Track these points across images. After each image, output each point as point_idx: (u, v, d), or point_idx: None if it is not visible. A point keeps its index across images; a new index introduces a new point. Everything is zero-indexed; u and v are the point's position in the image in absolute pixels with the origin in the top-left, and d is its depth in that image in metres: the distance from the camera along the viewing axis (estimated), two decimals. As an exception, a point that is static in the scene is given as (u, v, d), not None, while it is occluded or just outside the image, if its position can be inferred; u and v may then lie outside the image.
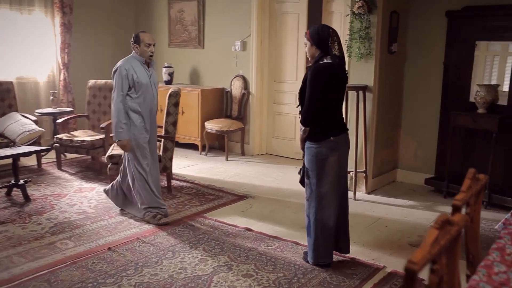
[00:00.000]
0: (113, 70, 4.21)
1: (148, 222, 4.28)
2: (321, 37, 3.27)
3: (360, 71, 5.05)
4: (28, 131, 5.71)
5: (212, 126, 6.67)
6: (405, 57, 5.51)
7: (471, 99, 5.05)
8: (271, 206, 4.81)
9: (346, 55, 5.08)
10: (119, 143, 4.17)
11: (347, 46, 5.05)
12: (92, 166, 6.11)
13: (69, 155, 6.33)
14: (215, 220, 4.37)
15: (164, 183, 5.40)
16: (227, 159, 6.64)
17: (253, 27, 6.65)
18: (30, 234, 3.99)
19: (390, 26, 5.15)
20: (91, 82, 6.30)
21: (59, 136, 5.84)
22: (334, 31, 3.29)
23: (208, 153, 6.89)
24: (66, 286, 3.17)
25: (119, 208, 4.60)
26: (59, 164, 5.94)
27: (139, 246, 3.80)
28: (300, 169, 3.57)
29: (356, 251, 3.69)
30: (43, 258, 3.56)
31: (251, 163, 6.52)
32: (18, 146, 5.16)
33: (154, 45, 4.26)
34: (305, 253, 3.63)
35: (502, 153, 4.87)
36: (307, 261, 3.51)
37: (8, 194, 4.89)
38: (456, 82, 5.17)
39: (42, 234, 3.98)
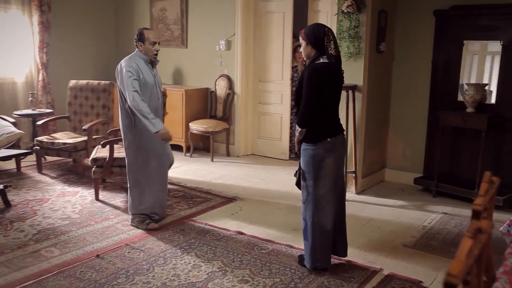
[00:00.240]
0: (117, 70, 4.01)
1: (136, 227, 4.15)
2: (317, 36, 3.19)
3: (350, 70, 4.99)
4: (6, 134, 5.50)
5: (197, 127, 6.55)
6: (393, 56, 5.48)
7: (459, 98, 5.06)
8: (261, 208, 4.73)
9: (346, 56, 5.05)
10: (159, 134, 3.89)
11: (336, 46, 4.98)
12: (74, 169, 5.92)
13: (49, 158, 6.14)
14: (205, 224, 4.26)
15: (150, 186, 5.29)
16: (212, 160, 6.53)
17: (238, 26, 6.55)
18: (13, 242, 3.82)
19: (379, 25, 5.12)
20: (72, 82, 6.11)
21: (39, 138, 5.64)
22: (330, 30, 3.22)
23: (192, 154, 6.77)
24: (54, 297, 3.03)
25: (105, 213, 4.45)
26: (39, 168, 5.74)
27: (128, 252, 3.67)
28: (296, 171, 3.49)
29: (351, 254, 3.62)
30: (28, 267, 3.40)
31: (237, 164, 6.42)
32: (-3, 150, 4.97)
33: (159, 43, 4.09)
34: (300, 256, 3.55)
35: (491, 152, 4.88)
36: (303, 265, 3.44)
37: (-13, 199, 4.70)
38: (444, 81, 5.17)
39: (25, 242, 3.82)
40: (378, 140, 5.51)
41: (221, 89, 6.83)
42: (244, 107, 6.80)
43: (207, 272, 3.38)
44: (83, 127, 5.54)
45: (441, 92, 5.19)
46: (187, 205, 4.75)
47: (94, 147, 5.60)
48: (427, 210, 4.72)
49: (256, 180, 5.71)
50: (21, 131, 5.79)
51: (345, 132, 4.80)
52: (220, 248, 3.76)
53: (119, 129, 5.61)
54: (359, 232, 4.12)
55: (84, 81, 6.07)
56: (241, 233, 4.07)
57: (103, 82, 6.01)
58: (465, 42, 5.01)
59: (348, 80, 5.05)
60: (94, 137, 5.65)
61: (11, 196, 4.80)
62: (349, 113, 4.95)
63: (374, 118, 5.29)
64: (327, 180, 3.26)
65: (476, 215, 1.78)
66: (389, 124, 5.63)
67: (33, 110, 6.27)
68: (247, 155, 6.93)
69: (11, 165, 5.79)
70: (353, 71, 4.99)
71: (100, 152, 4.94)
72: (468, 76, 5.09)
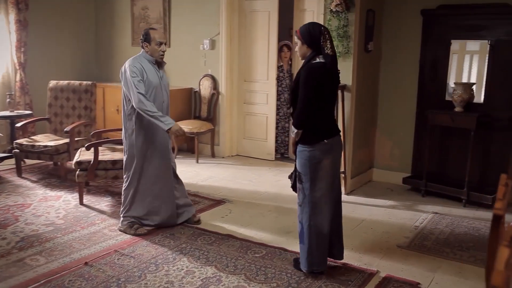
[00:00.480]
0: (121, 71, 3.89)
1: (124, 232, 4.02)
2: (313, 35, 3.13)
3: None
4: (-16, 137, 5.29)
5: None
6: (380, 55, 5.47)
7: (447, 98, 5.07)
8: (251, 211, 4.64)
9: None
10: (171, 131, 3.77)
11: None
12: (55, 172, 5.74)
13: (28, 161, 5.93)
14: (195, 228, 4.16)
15: (136, 189, 5.15)
16: (197, 162, 6.41)
17: (222, 25, 6.45)
18: (-5, 250, 3.66)
19: (367, 24, 5.09)
20: (52, 83, 5.92)
21: (19, 141, 5.44)
22: (326, 29, 3.15)
23: (177, 156, 6.64)
24: (43, 308, 2.90)
25: (90, 218, 4.31)
26: (19, 171, 5.54)
27: (118, 259, 3.54)
28: (291, 173, 3.42)
29: (346, 256, 3.56)
30: (13, 277, 3.25)
31: (223, 165, 6.33)
32: (-25, 153, 4.77)
33: (165, 44, 3.96)
34: (296, 260, 3.49)
35: (479, 151, 4.90)
36: (299, 269, 3.37)
37: (-35, 206, 4.50)
38: (432, 81, 5.17)
39: (8, 250, 3.65)
40: (366, 140, 5.49)
41: (205, 89, 6.72)
42: (229, 107, 6.71)
43: (201, 278, 3.28)
44: (65, 129, 5.37)
45: (429, 91, 5.19)
46: (175, 208, 4.64)
47: (76, 149, 5.45)
48: (417, 210, 4.71)
49: (243, 181, 5.62)
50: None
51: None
52: (212, 253, 3.67)
53: (103, 130, 5.52)
54: (352, 234, 4.07)
55: (65, 82, 5.89)
56: (232, 237, 3.98)
57: (85, 82, 5.84)
58: (452, 41, 5.01)
59: (337, 79, 5.01)
60: (76, 139, 5.48)
61: (-9, 201, 4.63)
62: (338, 113, 4.91)
63: (362, 118, 5.26)
64: (324, 182, 3.20)
65: (497, 219, 1.73)
66: (376, 123, 5.62)
67: (11, 111, 6.06)
68: (232, 156, 6.84)
69: (-12, 169, 5.59)
70: (342, 71, 4.81)
71: (84, 154, 4.79)
72: (455, 75, 5.10)
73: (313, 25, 3.19)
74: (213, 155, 6.74)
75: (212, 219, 4.40)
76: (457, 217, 4.52)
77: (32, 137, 5.64)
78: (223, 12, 6.42)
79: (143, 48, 3.92)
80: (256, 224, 4.30)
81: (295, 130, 3.19)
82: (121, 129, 5.67)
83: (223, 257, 3.59)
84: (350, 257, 3.59)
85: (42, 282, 3.18)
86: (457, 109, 4.86)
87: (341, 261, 3.50)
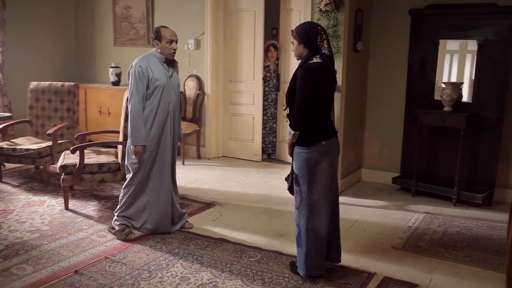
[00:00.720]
0: (129, 68, 3.82)
1: (114, 235, 3.90)
2: (309, 35, 3.07)
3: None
4: (-38, 140, 5.09)
5: (167, 129, 6.30)
6: (368, 55, 5.45)
7: (436, 97, 5.08)
8: (241, 213, 4.57)
9: None
10: (134, 149, 3.77)
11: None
12: (37, 176, 5.56)
13: (8, 165, 5.73)
14: (187, 232, 4.06)
15: (122, 192, 5.03)
16: (183, 164, 6.30)
17: (208, 24, 6.35)
18: (-21, 259, 3.50)
19: (355, 24, 5.06)
20: (33, 84, 5.73)
21: (-1, 144, 5.26)
22: (323, 29, 3.10)
23: (162, 158, 6.51)
24: (34, 320, 2.77)
25: (77, 224, 4.18)
26: (-1, 176, 5.36)
27: (109, 266, 3.43)
28: (288, 175, 3.36)
29: (342, 258, 3.50)
30: (0, 288, 3.11)
31: (209, 167, 6.23)
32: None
33: (176, 42, 3.86)
34: (292, 263, 3.43)
35: (468, 150, 4.92)
36: (296, 273, 3.31)
37: None
38: (420, 81, 5.18)
39: (-7, 259, 3.51)
40: (355, 140, 5.47)
41: (190, 89, 6.61)
42: (215, 108, 6.61)
43: (197, 284, 3.19)
44: (47, 132, 5.20)
45: (417, 91, 5.20)
46: (164, 212, 4.53)
47: (59, 152, 5.29)
48: (408, 210, 4.70)
49: (231, 183, 5.54)
50: (-22, 137, 5.39)
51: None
52: (206, 258, 3.58)
53: (87, 133, 5.37)
54: (346, 235, 4.03)
55: (47, 83, 5.70)
56: (225, 241, 3.90)
57: (67, 83, 5.67)
58: (440, 41, 5.02)
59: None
60: (59, 142, 5.32)
61: (-29, 208, 4.45)
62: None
63: (351, 118, 5.23)
64: (322, 185, 3.15)
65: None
66: (365, 123, 5.60)
67: (-11, 114, 5.85)
68: (218, 157, 6.75)
69: (-33, 173, 5.38)
70: (332, 71, 4.89)
71: (69, 158, 4.64)
72: (443, 75, 5.12)
73: (309, 25, 3.14)
74: (199, 157, 6.63)
75: (203, 222, 4.31)
76: (448, 217, 4.52)
77: (13, 140, 5.46)
78: (208, 11, 6.32)
79: (153, 46, 3.84)
80: (248, 227, 4.22)
81: (292, 132, 3.13)
82: (107, 131, 5.59)
83: (218, 262, 3.51)
84: (346, 259, 3.55)
85: (30, 292, 3.05)
86: (446, 108, 4.88)
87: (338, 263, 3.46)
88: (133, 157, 3.85)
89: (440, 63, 5.08)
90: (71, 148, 4.46)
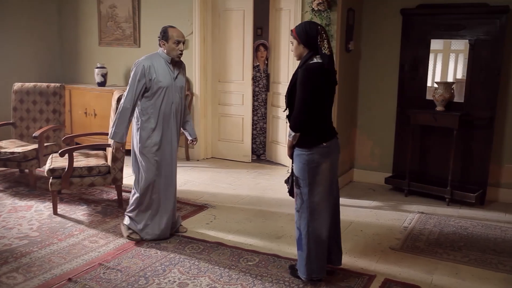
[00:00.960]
0: (132, 66, 3.74)
1: (121, 231, 3.92)
2: (310, 35, 3.01)
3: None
4: None
5: (155, 130, 6.18)
6: (360, 55, 5.43)
7: (428, 97, 5.08)
8: (236, 216, 4.49)
9: None
10: (114, 144, 3.76)
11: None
12: (23, 180, 5.40)
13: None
14: (181, 236, 3.97)
15: (112, 196, 4.92)
16: (172, 166, 6.19)
17: (196, 24, 6.25)
18: (-34, 268, 3.36)
19: (347, 23, 5.03)
20: (17, 85, 5.56)
21: (-18, 148, 5.08)
22: (323, 28, 3.05)
23: (150, 160, 6.40)
24: (28, 332, 2.66)
25: (67, 229, 4.06)
26: (-18, 180, 5.19)
27: (104, 273, 3.32)
28: (287, 178, 3.30)
29: (342, 260, 3.48)
30: (-10, 298, 2.99)
31: (199, 168, 6.14)
32: None
33: (184, 43, 3.77)
34: (292, 267, 3.37)
35: (461, 149, 4.93)
36: (297, 276, 3.25)
37: None
38: (412, 80, 5.17)
39: (-19, 268, 3.37)
40: (347, 140, 5.44)
41: (178, 90, 6.50)
42: (203, 109, 6.52)
43: (196, 290, 3.11)
44: (33, 134, 5.04)
45: (409, 90, 5.19)
46: (157, 215, 4.43)
47: (45, 155, 5.15)
48: (403, 210, 4.69)
49: (223, 185, 5.46)
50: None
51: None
52: (203, 262, 3.50)
53: (75, 135, 5.24)
54: (343, 237, 3.92)
55: (31, 84, 5.54)
56: (222, 244, 3.82)
57: (53, 84, 5.52)
58: (432, 41, 5.03)
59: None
60: (45, 144, 5.17)
61: (-45, 214, 4.29)
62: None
63: (343, 118, 5.20)
64: (323, 187, 3.10)
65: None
66: (357, 123, 5.58)
67: (-29, 116, 5.67)
68: (207, 158, 6.66)
69: (-52, 178, 5.20)
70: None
71: (56, 161, 4.51)
72: (434, 74, 5.13)
73: (309, 24, 3.08)
74: (187, 158, 6.53)
75: (197, 226, 4.22)
76: (442, 216, 4.52)
77: (-4, 144, 5.29)
78: (196, 10, 6.23)
79: (160, 46, 3.75)
80: (244, 230, 4.15)
81: (292, 133, 3.07)
82: (95, 133, 5.46)
83: (216, 267, 3.43)
84: (345, 261, 3.49)
85: (23, 302, 2.94)
86: (439, 108, 4.88)
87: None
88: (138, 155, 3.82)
89: (432, 63, 5.08)
90: (59, 151, 4.33)
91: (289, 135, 3.10)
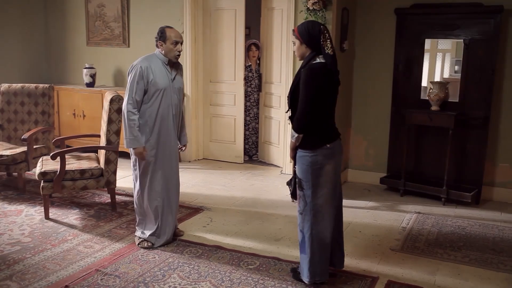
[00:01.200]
0: (129, 68, 3.64)
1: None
2: (312, 35, 2.97)
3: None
4: None
5: (146, 131, 6.09)
6: (354, 55, 5.40)
7: (422, 97, 5.08)
8: (232, 218, 4.43)
9: None
10: (134, 151, 3.61)
11: (302, 44, 4.81)
12: (11, 183, 5.25)
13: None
14: (179, 239, 3.90)
15: (104, 199, 4.81)
16: (164, 167, 6.10)
17: (187, 23, 6.16)
18: (-43, 277, 3.24)
19: (342, 23, 5.00)
20: (4, 86, 5.41)
21: (-31, 151, 4.93)
22: (326, 28, 3.00)
23: (141, 162, 6.29)
24: None
25: (60, 234, 3.95)
26: (-31, 184, 5.04)
27: (101, 279, 3.23)
28: (290, 180, 3.25)
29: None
30: (-16, 307, 2.88)
31: (191, 170, 6.05)
32: None
33: (181, 43, 3.67)
34: (294, 270, 3.33)
35: (456, 149, 4.94)
36: (299, 279, 3.20)
37: None
38: (406, 80, 5.16)
39: (-27, 276, 3.25)
40: (342, 140, 5.39)
41: (169, 90, 6.41)
42: (195, 110, 6.43)
43: (197, 296, 3.05)
44: (22, 137, 4.91)
45: (404, 90, 5.18)
46: (152, 219, 4.34)
47: (35, 158, 5.03)
48: (399, 210, 4.67)
49: (217, 186, 5.39)
50: None
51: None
52: (203, 267, 3.43)
53: (66, 137, 5.12)
54: (342, 238, 3.96)
55: (19, 85, 5.40)
56: (220, 248, 3.76)
57: (41, 85, 5.38)
58: (426, 40, 5.02)
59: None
60: (34, 147, 5.04)
61: None
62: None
63: (337, 118, 5.14)
64: (326, 189, 3.05)
65: None
66: (351, 123, 5.56)
67: (-44, 118, 5.49)
68: (199, 159, 6.58)
69: None
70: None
71: (47, 164, 4.40)
72: (429, 74, 5.12)
73: (312, 24, 3.03)
74: (179, 159, 6.42)
75: (194, 229, 4.15)
76: (439, 216, 4.52)
77: (-16, 146, 5.14)
78: (187, 10, 6.14)
79: (157, 47, 3.65)
80: (242, 233, 4.09)
81: (295, 135, 3.02)
82: (86, 135, 5.35)
83: (216, 271, 3.37)
84: (347, 263, 3.45)
85: (20, 311, 2.84)
86: (434, 108, 4.88)
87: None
88: (133, 160, 3.71)
89: (426, 63, 5.07)
90: (51, 154, 4.22)
91: (292, 136, 3.04)
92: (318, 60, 2.97)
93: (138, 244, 3.75)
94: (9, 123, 5.39)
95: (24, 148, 4.95)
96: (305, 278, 3.14)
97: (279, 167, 6.09)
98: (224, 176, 5.82)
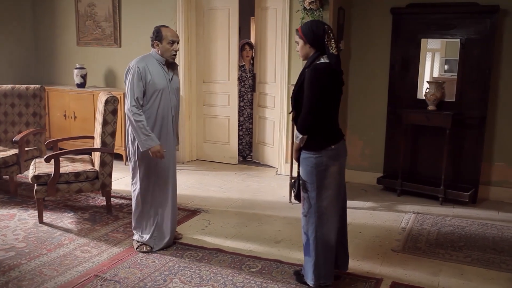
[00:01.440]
0: (126, 70, 3.53)
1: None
2: (316, 34, 2.92)
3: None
4: None
5: (139, 133, 6.00)
6: (349, 54, 5.38)
7: (419, 96, 5.08)
8: (231, 220, 4.38)
9: (298, 54, 4.86)
10: (151, 151, 3.46)
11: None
12: (2, 187, 5.12)
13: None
14: (178, 243, 3.83)
15: (99, 202, 4.73)
16: (157, 169, 6.02)
17: (179, 23, 6.09)
18: (-49, 284, 3.14)
19: (338, 22, 4.97)
20: (-7, 87, 5.29)
21: (-42, 154, 4.80)
22: (330, 28, 2.96)
23: (134, 163, 6.20)
24: None
25: (56, 238, 3.86)
26: (-42, 188, 4.91)
27: (101, 285, 3.15)
28: (294, 182, 3.20)
29: (346, 265, 3.41)
30: (-19, 316, 2.79)
31: (185, 171, 5.98)
32: None
33: (178, 43, 3.58)
34: (297, 273, 3.29)
35: (453, 148, 4.94)
36: (304, 282, 3.16)
37: None
38: (402, 80, 5.15)
39: (-33, 283, 3.15)
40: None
41: (162, 91, 6.33)
42: (188, 110, 6.36)
43: (201, 301, 2.99)
44: (13, 139, 4.80)
45: (400, 90, 5.17)
46: (148, 222, 4.27)
47: (26, 161, 4.92)
48: (398, 211, 4.66)
49: (212, 188, 5.33)
50: None
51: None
52: (204, 271, 3.37)
53: (59, 139, 5.02)
54: (343, 240, 3.93)
55: (9, 86, 5.28)
56: (221, 251, 3.70)
57: (32, 86, 5.27)
58: (422, 40, 5.02)
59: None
60: (26, 149, 4.93)
61: None
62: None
63: (334, 118, 5.14)
64: (331, 190, 3.01)
65: None
66: (347, 123, 5.53)
67: None
68: (192, 161, 6.51)
69: None
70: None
71: (40, 167, 4.30)
72: (425, 73, 5.12)
73: (316, 24, 2.99)
74: (172, 161, 6.35)
75: (192, 231, 4.09)
76: (438, 216, 4.51)
77: (-27, 149, 5.01)
78: (180, 9, 6.06)
79: (153, 47, 3.57)
80: (241, 235, 4.04)
81: (300, 136, 2.97)
82: (80, 137, 5.25)
83: (218, 275, 3.31)
84: (350, 265, 3.38)
85: (18, 320, 2.75)
86: (430, 107, 4.88)
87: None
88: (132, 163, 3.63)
89: (423, 62, 5.07)
90: (45, 157, 4.12)
91: (296, 137, 3.00)
92: (322, 60, 2.93)
93: (137, 248, 3.68)
94: (-1, 125, 5.27)
95: (16, 151, 4.84)
96: (310, 281, 3.09)
97: (274, 167, 6.05)
98: (219, 177, 5.76)
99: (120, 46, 6.55)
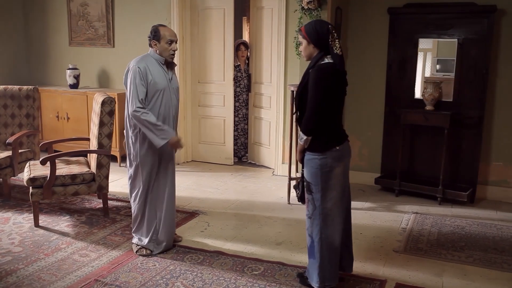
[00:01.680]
0: (125, 72, 3.48)
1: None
2: (320, 34, 2.89)
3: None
4: None
5: (134, 134, 5.92)
6: (347, 54, 5.36)
7: (416, 96, 5.07)
8: (230, 222, 4.33)
9: (295, 54, 4.85)
10: (169, 143, 3.42)
11: (296, 44, 4.75)
12: (-5, 190, 5.04)
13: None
14: (178, 246, 3.78)
15: (95, 204, 4.65)
16: (152, 170, 5.95)
17: (174, 22, 6.02)
18: None
19: (335, 22, 4.95)
20: (-15, 88, 5.19)
21: (-50, 157, 4.69)
22: (334, 27, 2.93)
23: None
24: None
25: (53, 242, 3.78)
26: (-50, 192, 4.80)
27: (102, 290, 3.10)
28: (297, 183, 3.17)
29: (349, 266, 3.38)
30: (-20, 324, 2.71)
31: (181, 172, 5.92)
32: None
33: (176, 42, 3.52)
34: (300, 275, 3.26)
35: (451, 148, 4.94)
36: (307, 285, 3.13)
37: None
38: (400, 80, 5.15)
39: (-37, 290, 3.08)
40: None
41: (156, 91, 6.26)
42: (183, 111, 6.28)
43: (205, 305, 2.94)
44: (6, 141, 4.71)
45: (397, 90, 5.17)
46: (146, 224, 4.21)
47: (20, 163, 4.83)
48: (397, 211, 4.65)
49: (209, 189, 5.28)
50: None
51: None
52: (206, 274, 3.32)
53: (53, 141, 4.93)
54: (344, 241, 3.90)
55: (1, 87, 5.17)
56: (222, 253, 3.66)
57: (25, 87, 5.17)
58: (420, 40, 5.02)
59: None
60: (19, 151, 4.84)
61: None
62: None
63: (332, 119, 5.12)
64: (336, 192, 2.99)
65: None
66: (344, 123, 5.51)
67: None
68: (187, 162, 6.45)
69: None
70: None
71: (36, 169, 4.22)
72: (423, 73, 5.12)
73: (320, 24, 2.95)
74: (167, 162, 6.29)
75: (192, 234, 4.04)
76: (437, 216, 4.51)
77: (-35, 151, 4.91)
78: (174, 8, 6.00)
79: (151, 46, 3.51)
80: (241, 237, 4.00)
81: (304, 137, 2.94)
82: (75, 139, 5.18)
83: (220, 278, 3.26)
84: (353, 267, 3.41)
85: (19, 327, 2.68)
86: (428, 107, 4.87)
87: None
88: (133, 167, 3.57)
89: (420, 62, 5.07)
90: (41, 159, 4.04)
91: (300, 139, 2.96)
92: (326, 60, 2.90)
93: (136, 251, 3.62)
94: (-8, 127, 5.16)
95: (9, 153, 4.75)
96: (315, 283, 3.06)
97: (271, 168, 6.01)
98: (215, 178, 5.71)
99: (113, 46, 6.46)
